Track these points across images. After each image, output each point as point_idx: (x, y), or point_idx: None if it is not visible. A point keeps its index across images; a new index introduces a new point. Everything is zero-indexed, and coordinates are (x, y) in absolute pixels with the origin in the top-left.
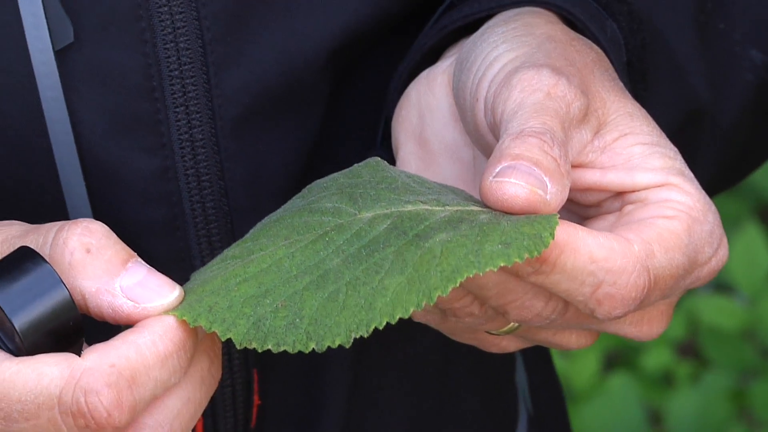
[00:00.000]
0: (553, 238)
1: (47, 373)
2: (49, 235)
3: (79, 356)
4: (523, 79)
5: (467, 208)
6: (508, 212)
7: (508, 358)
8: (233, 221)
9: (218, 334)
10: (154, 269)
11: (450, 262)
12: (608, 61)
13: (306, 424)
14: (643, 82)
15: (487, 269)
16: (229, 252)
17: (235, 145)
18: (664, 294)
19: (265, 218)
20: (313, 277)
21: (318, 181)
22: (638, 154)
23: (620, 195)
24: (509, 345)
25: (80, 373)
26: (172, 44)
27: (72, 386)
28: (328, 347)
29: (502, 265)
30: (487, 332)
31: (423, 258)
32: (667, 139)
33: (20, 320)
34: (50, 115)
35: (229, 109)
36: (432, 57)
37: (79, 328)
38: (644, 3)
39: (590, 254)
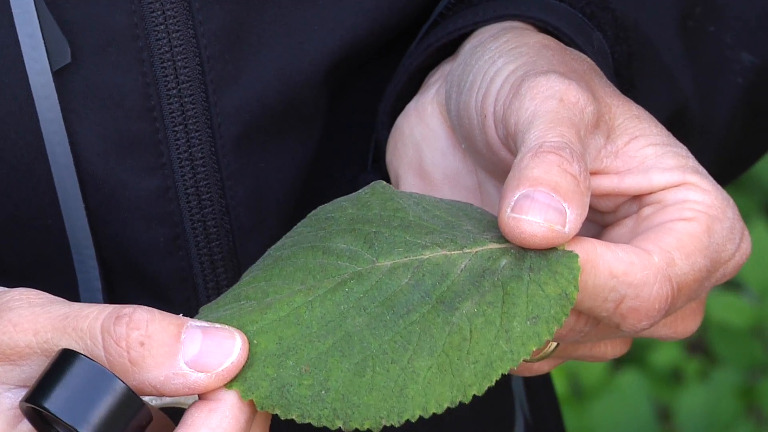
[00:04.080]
0: (578, 290)
1: None
2: (97, 340)
3: None
4: (533, 87)
5: (485, 247)
6: (526, 247)
7: None
8: (235, 240)
9: (239, 393)
10: (205, 324)
11: (482, 350)
12: (600, 70)
13: None
14: (632, 90)
15: (521, 359)
16: (241, 290)
17: (236, 163)
18: (690, 298)
19: (273, 248)
20: (336, 338)
21: (324, 207)
22: (651, 155)
23: (637, 198)
24: (543, 366)
25: None
26: (169, 63)
27: None
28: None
29: (534, 349)
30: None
31: (452, 339)
32: (676, 139)
33: (89, 427)
34: (49, 137)
35: (229, 127)
36: (419, 76)
37: (146, 414)
38: (629, 9)
39: (609, 270)
